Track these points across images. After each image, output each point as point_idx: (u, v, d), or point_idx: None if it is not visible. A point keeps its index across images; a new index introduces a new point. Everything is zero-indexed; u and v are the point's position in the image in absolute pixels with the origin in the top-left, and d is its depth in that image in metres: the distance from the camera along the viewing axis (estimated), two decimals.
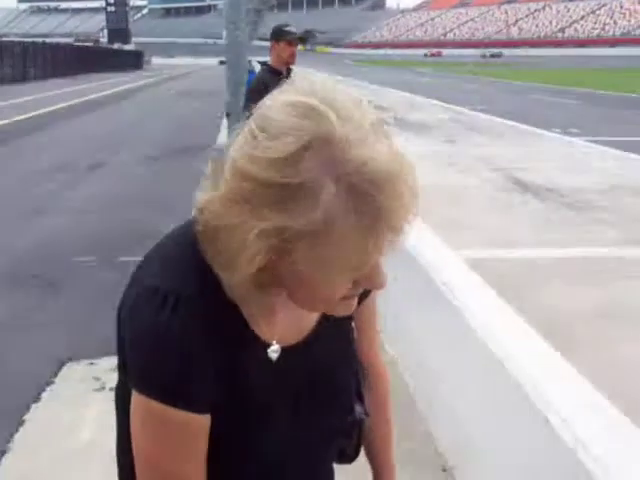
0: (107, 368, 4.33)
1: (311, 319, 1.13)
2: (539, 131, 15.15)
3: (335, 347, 1.17)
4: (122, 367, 1.08)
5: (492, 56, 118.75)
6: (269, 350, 1.07)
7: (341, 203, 0.88)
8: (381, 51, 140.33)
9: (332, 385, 1.16)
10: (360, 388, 1.23)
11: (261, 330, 1.07)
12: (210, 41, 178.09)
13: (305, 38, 5.98)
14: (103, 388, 4.12)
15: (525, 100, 28.11)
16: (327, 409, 1.16)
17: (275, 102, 0.93)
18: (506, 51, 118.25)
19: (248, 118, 0.95)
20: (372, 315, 1.30)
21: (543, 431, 2.30)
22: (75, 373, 4.39)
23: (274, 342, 1.08)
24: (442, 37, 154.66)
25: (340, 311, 1.03)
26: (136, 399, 1.01)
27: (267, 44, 5.74)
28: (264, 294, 1.02)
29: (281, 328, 1.09)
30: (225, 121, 14.85)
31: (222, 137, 12.74)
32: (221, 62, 64.63)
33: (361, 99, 0.95)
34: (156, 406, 0.99)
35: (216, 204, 0.94)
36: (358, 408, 1.22)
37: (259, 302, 1.04)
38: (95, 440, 3.59)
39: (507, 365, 2.73)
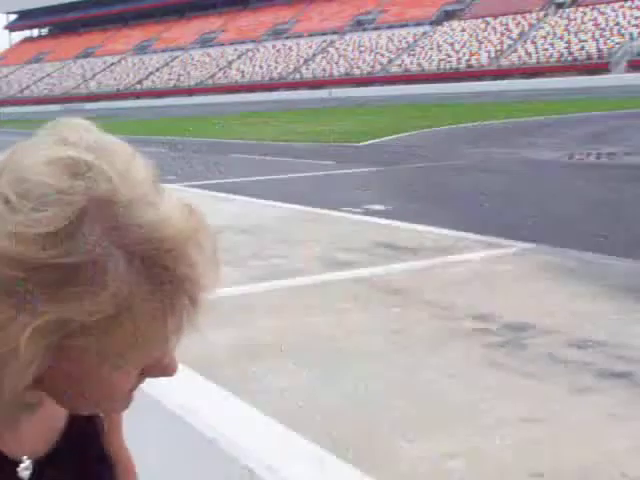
0: None
1: (60, 419, 0.93)
2: None
3: (90, 446, 0.99)
4: None
5: None
6: (19, 469, 0.86)
7: (134, 280, 0.71)
8: None
9: None
10: None
11: (6, 445, 0.85)
12: None
13: None
14: None
15: None
16: None
17: (35, 159, 0.73)
18: (88, 105, 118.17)
19: None
20: None
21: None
22: None
23: (24, 458, 0.87)
24: (19, 94, 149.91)
25: (121, 407, 0.85)
26: None
27: None
28: (12, 401, 0.78)
29: (29, 438, 0.88)
30: None
31: None
32: None
33: (134, 151, 0.79)
34: None
35: None
36: None
37: (3, 411, 0.81)
38: None
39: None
